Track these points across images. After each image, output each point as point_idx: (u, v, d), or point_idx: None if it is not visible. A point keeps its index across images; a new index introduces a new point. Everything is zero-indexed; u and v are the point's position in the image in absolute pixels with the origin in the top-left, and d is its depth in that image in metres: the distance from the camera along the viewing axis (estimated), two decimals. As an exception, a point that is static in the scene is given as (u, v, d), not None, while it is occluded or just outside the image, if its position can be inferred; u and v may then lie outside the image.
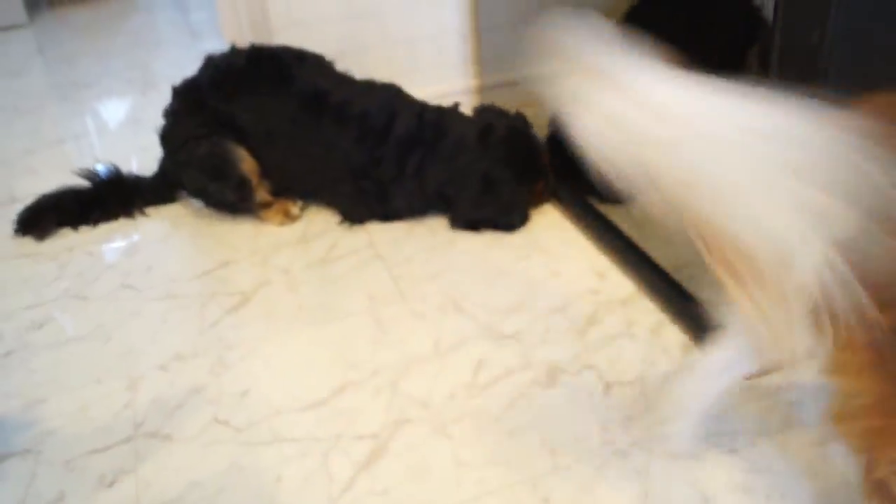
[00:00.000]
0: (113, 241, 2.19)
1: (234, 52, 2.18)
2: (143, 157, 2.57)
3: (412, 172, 2.08)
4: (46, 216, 2.24)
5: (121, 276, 2.03)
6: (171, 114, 2.21)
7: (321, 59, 2.21)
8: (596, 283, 1.88)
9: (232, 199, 2.19)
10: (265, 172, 2.18)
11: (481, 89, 2.62)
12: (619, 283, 1.88)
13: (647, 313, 1.78)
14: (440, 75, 2.57)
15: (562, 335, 1.73)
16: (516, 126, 2.14)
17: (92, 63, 3.54)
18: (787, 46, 1.29)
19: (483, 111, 2.20)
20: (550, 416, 1.54)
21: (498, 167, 2.06)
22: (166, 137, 2.23)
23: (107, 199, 2.29)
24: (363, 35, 2.46)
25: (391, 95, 2.16)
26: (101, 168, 2.33)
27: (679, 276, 1.76)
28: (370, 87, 2.18)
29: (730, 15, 1.82)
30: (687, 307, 1.71)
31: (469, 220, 2.10)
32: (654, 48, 1.02)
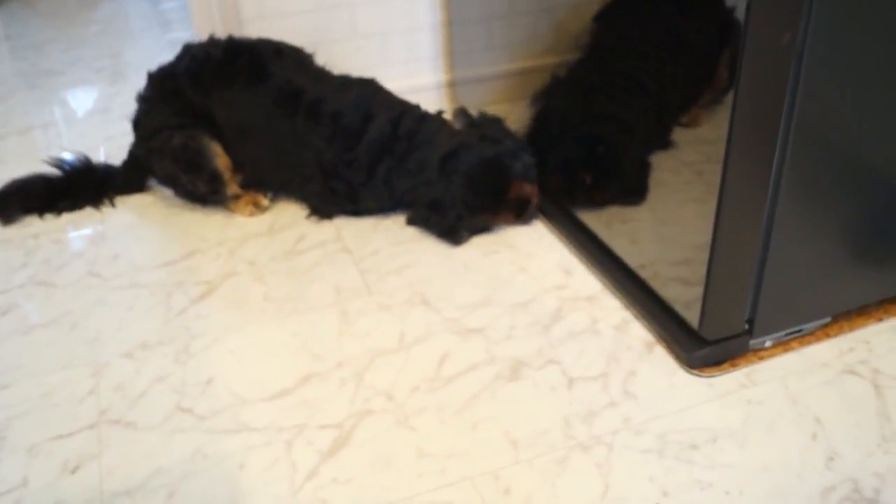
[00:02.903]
0: (80, 229, 2.18)
1: (213, 42, 2.17)
2: (110, 146, 2.57)
3: (381, 179, 2.08)
4: (13, 202, 2.23)
5: (87, 264, 2.03)
6: (146, 100, 2.21)
7: (300, 53, 2.21)
8: (562, 280, 1.89)
9: (203, 192, 2.18)
10: (238, 165, 2.17)
11: (453, 84, 2.62)
12: (585, 280, 1.89)
13: (612, 310, 1.79)
14: (411, 69, 2.57)
15: (527, 330, 1.74)
16: (487, 156, 2.02)
17: (61, 51, 3.52)
18: (756, 48, 1.30)
19: (468, 130, 2.12)
20: (513, 410, 1.55)
21: (447, 196, 2.01)
22: (139, 123, 2.22)
23: (75, 188, 2.28)
24: (334, 27, 2.46)
25: (368, 94, 2.13)
26: (70, 157, 2.31)
27: (644, 274, 1.77)
28: (347, 84, 2.16)
29: (702, 16, 1.82)
30: (651, 305, 1.74)
31: (419, 223, 2.11)
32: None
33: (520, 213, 2.09)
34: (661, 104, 1.68)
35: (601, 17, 1.91)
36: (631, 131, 1.80)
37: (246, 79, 2.11)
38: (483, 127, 2.11)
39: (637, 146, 1.77)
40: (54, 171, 2.29)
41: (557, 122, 2.04)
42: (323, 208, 2.16)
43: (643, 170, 1.74)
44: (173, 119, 2.14)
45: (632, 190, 1.80)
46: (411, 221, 2.11)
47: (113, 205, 2.28)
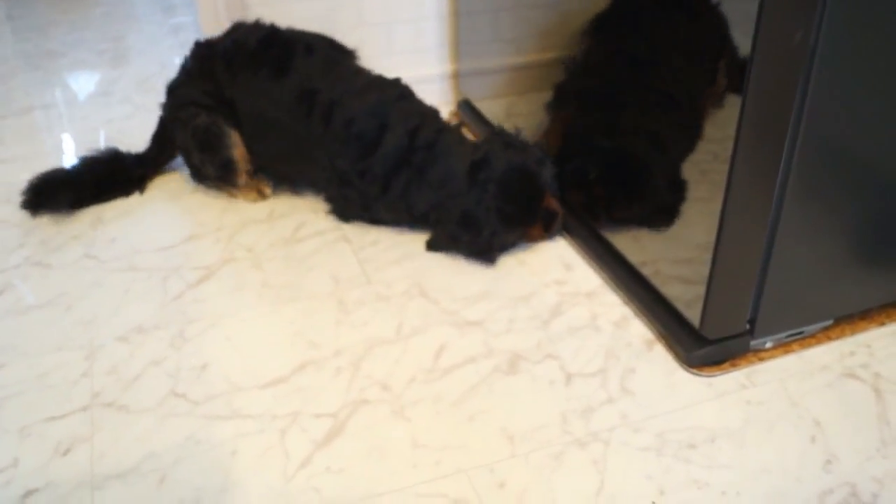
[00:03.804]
0: (77, 211, 2.17)
1: (255, 27, 2.15)
2: (110, 129, 2.56)
3: (398, 193, 1.98)
4: (45, 196, 2.17)
5: (84, 246, 2.01)
6: (186, 71, 2.19)
7: (335, 50, 2.16)
8: (562, 275, 1.88)
9: (211, 175, 2.17)
10: (256, 157, 2.16)
11: (458, 75, 2.61)
12: (585, 275, 1.88)
13: (612, 307, 1.78)
14: (416, 59, 2.55)
15: (526, 324, 1.73)
16: (517, 163, 1.93)
17: (64, 33, 3.50)
18: (767, 47, 1.29)
19: (491, 138, 2.00)
20: (510, 404, 1.54)
21: (481, 208, 1.89)
22: (173, 91, 2.21)
23: (107, 179, 2.23)
24: (339, 15, 2.44)
25: (386, 101, 2.02)
26: (98, 151, 2.26)
27: (645, 272, 1.76)
28: (369, 87, 2.06)
29: (699, 24, 1.79)
30: (652, 302, 1.72)
31: (441, 248, 1.98)
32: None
33: (548, 227, 2.00)
34: (692, 114, 1.64)
35: (597, 25, 1.88)
36: (659, 144, 1.76)
37: (270, 70, 2.07)
38: (504, 135, 2.01)
39: (665, 161, 1.73)
40: (84, 165, 2.24)
41: (579, 133, 1.97)
42: (342, 212, 2.11)
43: (675, 189, 1.66)
44: (204, 98, 2.13)
45: (659, 209, 1.74)
46: (434, 246, 1.99)
47: (142, 192, 2.26)
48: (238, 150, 2.12)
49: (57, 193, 2.16)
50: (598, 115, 1.87)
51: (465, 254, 1.95)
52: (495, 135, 2.01)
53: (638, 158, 1.79)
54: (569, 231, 2.01)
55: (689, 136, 1.59)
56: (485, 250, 1.93)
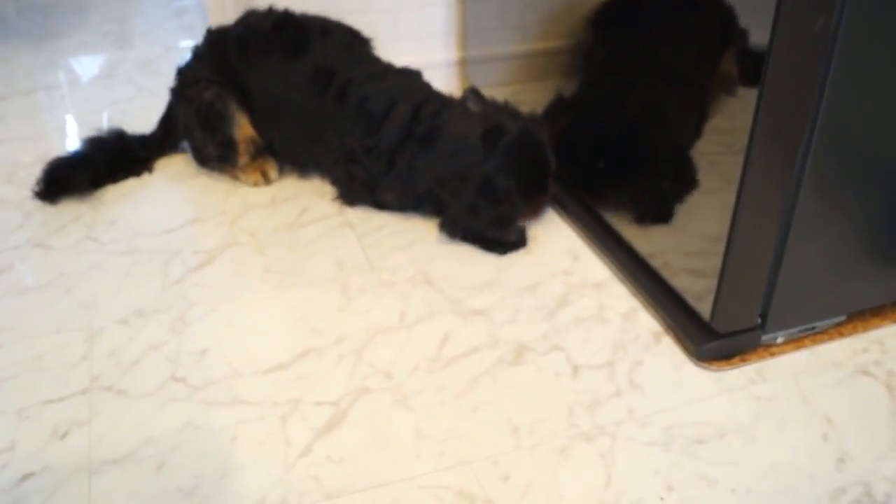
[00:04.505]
0: (81, 194, 2.14)
1: (268, 13, 2.14)
2: (114, 111, 2.54)
3: (402, 169, 1.96)
4: (58, 181, 2.13)
5: (85, 228, 1.99)
6: (196, 54, 2.18)
7: (351, 35, 2.15)
8: (570, 265, 1.86)
9: (211, 154, 2.15)
10: (267, 139, 2.15)
11: (464, 62, 2.58)
12: (593, 266, 1.85)
13: (620, 298, 1.75)
14: (423, 45, 2.53)
15: (532, 315, 1.71)
16: (528, 131, 1.91)
17: (67, 14, 3.48)
18: (787, 34, 1.26)
19: (493, 109, 1.96)
20: (515, 395, 1.51)
21: (502, 175, 1.85)
22: (183, 71, 2.19)
23: (116, 161, 2.20)
24: (346, 0, 2.41)
25: (402, 83, 2.03)
26: (103, 132, 2.23)
27: (654, 263, 1.73)
28: (387, 72, 2.07)
29: (703, 17, 1.77)
30: (660, 295, 1.70)
31: (460, 228, 1.93)
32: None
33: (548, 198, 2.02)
34: (694, 99, 1.62)
35: (599, 17, 1.86)
36: (664, 120, 1.73)
37: (286, 52, 2.06)
38: (496, 109, 1.98)
39: (670, 135, 1.70)
40: (94, 146, 2.20)
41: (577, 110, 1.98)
42: (348, 196, 2.09)
43: (676, 171, 1.64)
44: (214, 76, 2.11)
45: (670, 184, 1.71)
46: (449, 223, 1.93)
47: (151, 172, 2.23)
48: (240, 130, 2.10)
49: (73, 177, 2.13)
50: (597, 93, 1.89)
51: (484, 227, 1.91)
52: (496, 106, 1.98)
53: (624, 133, 1.80)
54: (576, 220, 1.98)
55: (690, 122, 1.58)
56: (506, 221, 1.90)
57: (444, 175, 1.91)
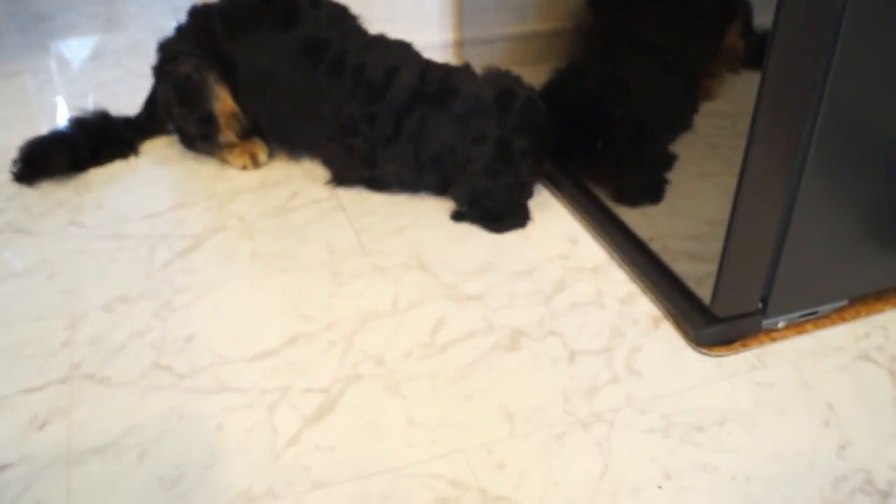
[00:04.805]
0: (63, 177, 2.10)
1: None
2: (100, 93, 2.50)
3: (409, 134, 1.93)
4: (37, 163, 2.09)
5: (69, 213, 1.95)
6: (179, 29, 2.13)
7: (340, 8, 2.11)
8: (567, 249, 1.82)
9: (193, 133, 2.10)
10: (253, 116, 2.10)
11: (460, 44, 2.54)
12: (590, 250, 1.82)
13: (618, 283, 1.72)
14: (418, 26, 2.48)
15: (528, 300, 1.67)
16: (533, 98, 1.93)
17: (54, -5, 3.44)
18: (794, 8, 1.22)
19: (496, 75, 1.98)
20: (510, 382, 1.48)
21: (519, 137, 1.87)
22: (164, 47, 2.14)
23: (99, 143, 2.16)
24: (337, -22, 2.36)
25: (397, 51, 2.02)
26: (87, 112, 2.19)
27: (653, 247, 1.69)
28: (378, 43, 2.04)
29: None
30: (659, 279, 1.66)
31: (475, 194, 1.90)
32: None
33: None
34: (687, 73, 1.59)
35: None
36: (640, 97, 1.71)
37: (274, 24, 2.02)
38: (500, 75, 1.98)
39: (648, 114, 1.69)
40: (76, 127, 2.16)
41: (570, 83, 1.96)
42: (342, 174, 2.05)
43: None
44: (196, 51, 2.06)
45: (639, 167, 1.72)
46: (463, 191, 1.91)
47: (137, 154, 2.19)
48: (221, 103, 2.05)
49: (52, 158, 2.09)
50: (593, 72, 1.87)
51: (501, 192, 1.89)
52: (499, 73, 1.99)
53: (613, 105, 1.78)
54: (574, 203, 1.94)
55: (687, 96, 1.55)
56: (524, 185, 1.93)
57: (458, 138, 1.90)
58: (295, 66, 1.99)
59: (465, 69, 1.99)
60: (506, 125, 1.87)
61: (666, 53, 1.62)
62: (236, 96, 2.07)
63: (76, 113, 2.15)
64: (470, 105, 1.89)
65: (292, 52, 1.99)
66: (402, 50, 2.03)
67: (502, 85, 1.91)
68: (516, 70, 1.98)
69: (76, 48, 2.93)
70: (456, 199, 1.93)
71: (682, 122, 1.55)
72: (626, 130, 1.76)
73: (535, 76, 2.01)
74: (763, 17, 1.25)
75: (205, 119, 2.05)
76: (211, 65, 2.04)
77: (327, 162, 2.07)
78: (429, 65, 1.98)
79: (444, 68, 1.98)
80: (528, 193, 1.96)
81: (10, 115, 2.18)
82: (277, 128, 2.12)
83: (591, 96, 1.87)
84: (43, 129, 2.15)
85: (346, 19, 2.09)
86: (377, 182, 2.02)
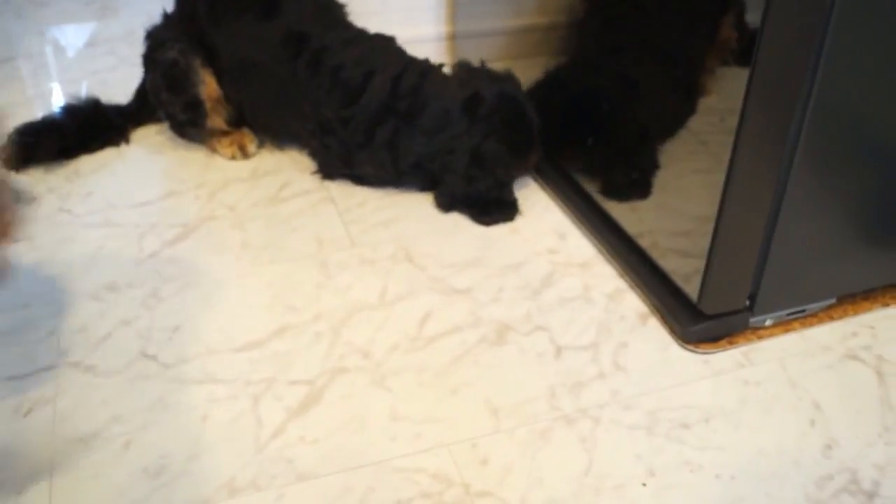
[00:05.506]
0: (53, 164, 2.08)
1: None
2: (94, 81, 2.48)
3: (382, 143, 1.91)
4: (26, 148, 2.06)
5: (59, 200, 1.94)
6: (166, 16, 2.12)
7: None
8: (555, 244, 1.81)
9: (181, 119, 2.09)
10: (236, 104, 2.08)
11: (454, 37, 2.53)
12: (579, 245, 1.81)
13: (606, 278, 1.71)
14: (411, 18, 2.47)
15: (515, 294, 1.67)
16: (507, 92, 1.91)
17: (49, -19, 3.42)
18: (779, 7, 1.22)
19: (468, 73, 1.96)
20: (496, 376, 1.47)
21: (489, 142, 1.85)
22: (152, 34, 2.12)
23: (90, 129, 2.14)
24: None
25: (377, 49, 1.98)
26: (78, 99, 2.17)
27: (642, 243, 1.69)
28: (360, 38, 2.01)
29: None
30: (647, 275, 1.66)
31: (457, 198, 1.91)
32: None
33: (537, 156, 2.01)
34: (686, 70, 1.59)
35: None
36: (639, 91, 1.71)
37: (257, 12, 1.99)
38: (471, 73, 1.96)
39: (644, 109, 1.68)
40: (66, 113, 2.14)
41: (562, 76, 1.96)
42: (325, 168, 2.04)
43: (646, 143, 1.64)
44: (182, 38, 2.04)
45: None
46: (444, 196, 1.93)
47: (128, 142, 2.17)
48: (207, 87, 2.03)
49: (40, 144, 2.07)
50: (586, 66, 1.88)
51: (482, 195, 1.89)
52: (471, 70, 1.97)
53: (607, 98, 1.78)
54: (563, 198, 1.94)
55: (682, 90, 1.55)
56: (503, 184, 1.92)
57: (431, 150, 1.89)
58: (275, 57, 1.97)
59: (440, 72, 1.97)
60: (474, 133, 1.85)
61: (662, 47, 1.62)
62: (220, 83, 2.05)
63: (68, 99, 2.13)
64: (438, 120, 1.87)
65: (272, 43, 1.97)
66: (384, 47, 2.00)
67: (469, 89, 1.88)
68: (511, 64, 1.97)
69: (71, 35, 2.91)
70: (438, 205, 1.94)
71: (679, 118, 1.55)
72: (617, 126, 1.76)
73: (529, 70, 2.00)
74: (754, 14, 1.25)
75: (191, 104, 2.04)
76: (197, 50, 2.02)
77: (312, 155, 2.06)
78: (406, 66, 1.94)
79: (420, 70, 1.94)
80: (510, 190, 1.94)
81: (4, 101, 2.17)
82: (260, 117, 2.11)
83: (585, 91, 1.87)
84: (37, 116, 2.14)
85: (331, 9, 2.07)
86: (360, 178, 2.01)
